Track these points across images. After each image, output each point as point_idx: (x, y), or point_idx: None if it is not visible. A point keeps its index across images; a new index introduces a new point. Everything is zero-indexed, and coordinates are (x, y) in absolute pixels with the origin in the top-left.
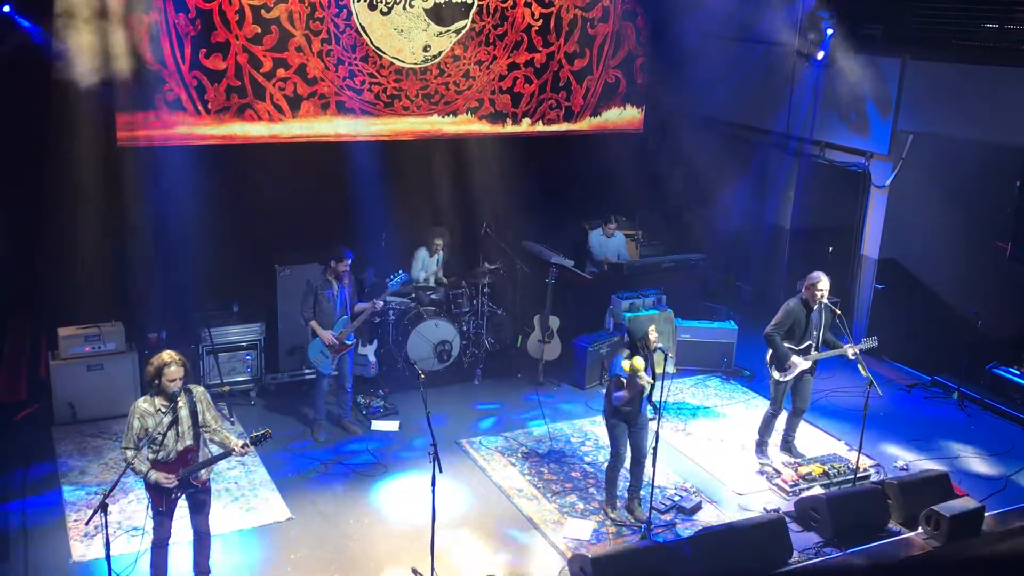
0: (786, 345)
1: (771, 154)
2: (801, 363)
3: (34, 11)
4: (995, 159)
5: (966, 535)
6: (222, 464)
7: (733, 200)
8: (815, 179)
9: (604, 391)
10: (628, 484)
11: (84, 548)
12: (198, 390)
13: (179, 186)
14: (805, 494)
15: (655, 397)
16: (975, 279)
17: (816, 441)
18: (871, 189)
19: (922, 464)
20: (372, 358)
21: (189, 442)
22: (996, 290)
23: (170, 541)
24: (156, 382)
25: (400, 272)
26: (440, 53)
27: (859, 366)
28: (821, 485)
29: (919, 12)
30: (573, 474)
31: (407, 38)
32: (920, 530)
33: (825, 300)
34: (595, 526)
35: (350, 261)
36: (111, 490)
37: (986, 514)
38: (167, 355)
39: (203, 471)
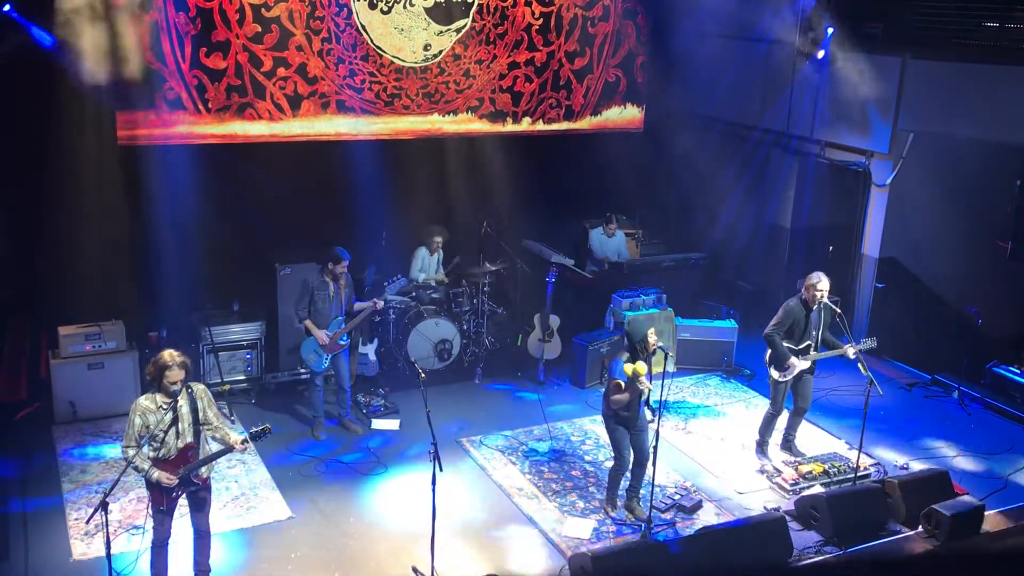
0: (785, 345)
1: (771, 153)
2: (800, 363)
3: (34, 11)
4: (995, 158)
5: (966, 534)
6: (223, 463)
7: (733, 199)
8: (815, 178)
9: (603, 391)
10: (628, 484)
11: (85, 547)
12: (199, 388)
13: (179, 185)
14: (805, 493)
15: (653, 398)
16: (975, 278)
17: (816, 440)
18: (871, 188)
19: (922, 463)
20: (372, 357)
21: (189, 439)
22: (996, 289)
23: (170, 541)
24: (157, 381)
25: (398, 276)
26: (440, 52)
27: (859, 365)
28: (821, 484)
29: (919, 11)
30: (573, 473)
31: (407, 37)
32: (920, 529)
33: (825, 300)
34: (595, 525)
35: (347, 263)
36: (111, 489)
37: (986, 513)
38: (168, 356)
39: (204, 468)
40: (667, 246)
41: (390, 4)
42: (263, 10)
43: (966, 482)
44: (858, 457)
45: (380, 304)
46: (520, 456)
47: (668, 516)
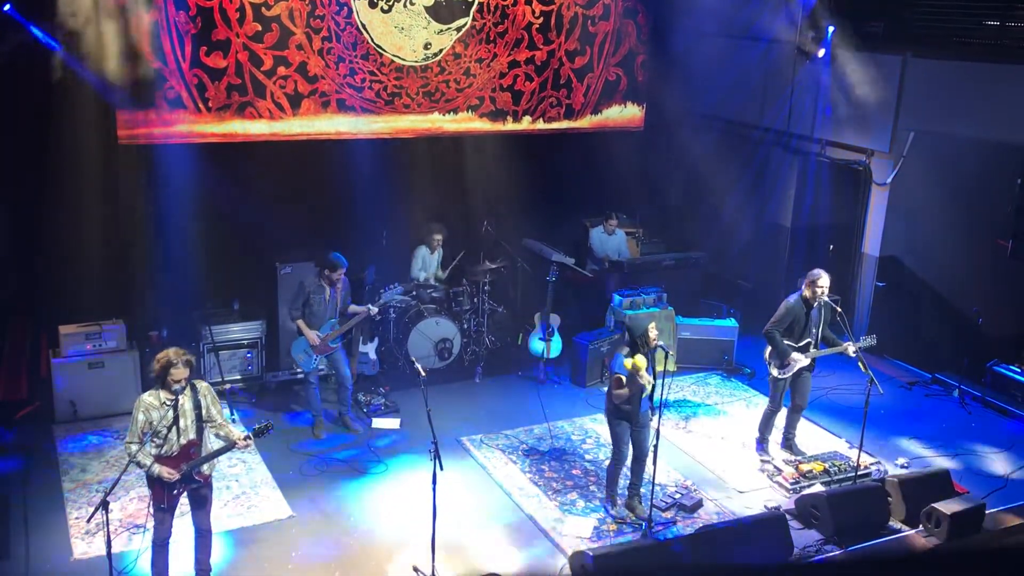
0: (785, 342)
1: (772, 152)
2: (800, 360)
3: (35, 10)
4: (996, 157)
5: (967, 533)
6: (223, 462)
7: (734, 198)
8: (816, 177)
9: (605, 389)
10: (628, 482)
11: (85, 546)
12: (202, 385)
13: (180, 184)
14: (806, 492)
15: (656, 396)
16: (976, 277)
17: (817, 439)
18: (872, 187)
19: (923, 462)
20: (373, 356)
21: (192, 436)
22: (997, 288)
23: (171, 540)
24: (162, 378)
25: (395, 284)
26: (441, 51)
27: (860, 364)
28: (822, 483)
29: (920, 10)
30: (574, 472)
31: (408, 36)
32: (921, 528)
33: (825, 298)
34: (596, 524)
35: (344, 270)
36: (112, 488)
37: (987, 512)
38: (173, 353)
39: (205, 466)
40: (667, 245)
41: (390, 3)
42: (263, 9)
43: (966, 481)
44: (858, 456)
45: (374, 310)
46: (520, 455)
47: (669, 515)
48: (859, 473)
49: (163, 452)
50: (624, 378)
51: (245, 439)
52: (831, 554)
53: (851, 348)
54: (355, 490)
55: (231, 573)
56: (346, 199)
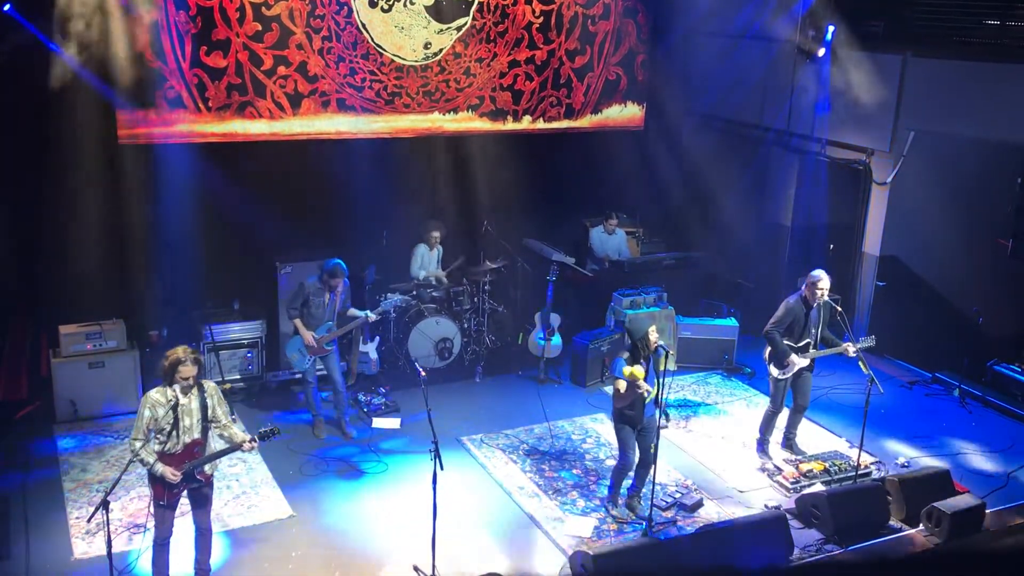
0: (785, 343)
1: (772, 151)
2: (800, 361)
3: (35, 10)
4: (996, 156)
5: (967, 532)
6: (224, 462)
7: (734, 197)
8: (816, 176)
9: (606, 389)
10: (631, 483)
11: (86, 546)
12: (210, 385)
13: (180, 184)
14: (806, 491)
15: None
16: (976, 276)
17: (817, 438)
18: (872, 186)
19: (923, 461)
20: (373, 355)
21: (196, 436)
22: (997, 287)
23: (171, 539)
24: (170, 376)
25: (395, 294)
26: (441, 50)
27: (860, 364)
28: (822, 482)
29: (920, 9)
30: (574, 471)
31: (408, 35)
32: (921, 527)
33: (825, 299)
34: (596, 523)
35: (344, 276)
36: (112, 488)
37: (987, 511)
38: (182, 351)
39: (207, 466)
40: (667, 244)
41: (390, 2)
42: (263, 8)
43: (967, 480)
44: (859, 455)
45: (372, 317)
46: (521, 455)
47: (669, 514)
48: (859, 472)
49: (166, 450)
50: (624, 383)
51: (251, 441)
52: (831, 553)
53: (851, 349)
54: (355, 490)
55: (231, 573)
56: (346, 199)
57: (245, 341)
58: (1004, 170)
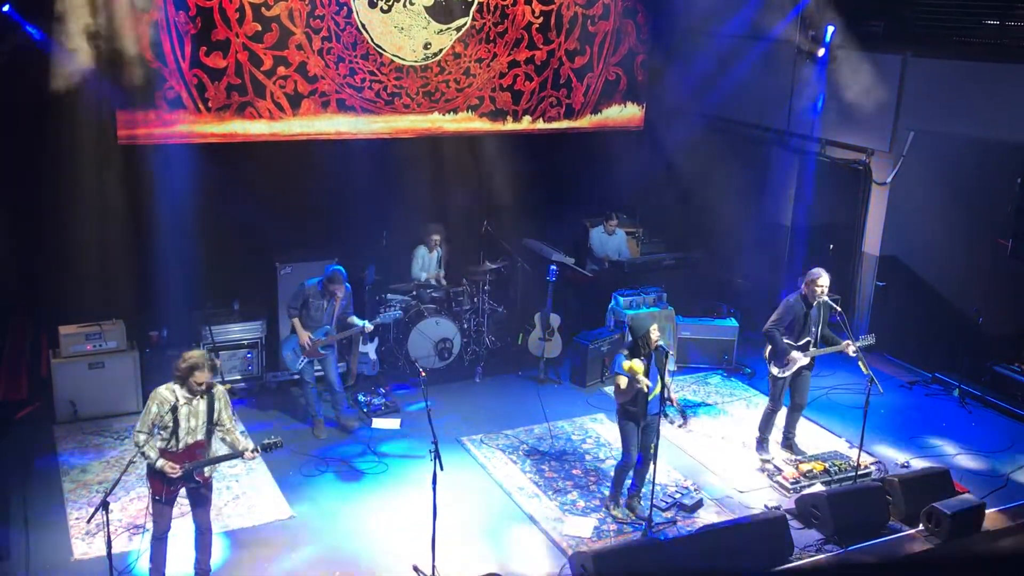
0: (785, 341)
1: (772, 151)
2: (800, 359)
3: (34, 10)
4: (996, 156)
5: (967, 532)
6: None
7: (734, 197)
8: (816, 176)
9: (606, 389)
10: (631, 482)
11: (85, 546)
12: (219, 389)
13: (179, 184)
14: (806, 491)
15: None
16: (976, 276)
17: (817, 438)
18: (872, 186)
19: (923, 461)
20: (373, 356)
21: (200, 437)
22: (997, 287)
23: (172, 538)
24: (184, 377)
25: (397, 311)
26: (440, 51)
27: (860, 363)
28: (822, 482)
29: (920, 9)
30: (574, 471)
31: (407, 36)
32: (921, 527)
33: (825, 297)
34: (596, 523)
35: (343, 284)
36: (112, 488)
37: (987, 511)
38: (200, 356)
39: (206, 468)
40: (667, 244)
41: (390, 3)
42: (263, 9)
43: (967, 480)
44: (859, 455)
45: (369, 328)
46: (521, 455)
47: (669, 515)
48: (859, 473)
49: (168, 447)
50: (624, 379)
51: (253, 451)
52: (831, 553)
53: (851, 347)
54: (355, 491)
55: (231, 573)
56: (346, 199)
57: (245, 342)
58: (1004, 170)
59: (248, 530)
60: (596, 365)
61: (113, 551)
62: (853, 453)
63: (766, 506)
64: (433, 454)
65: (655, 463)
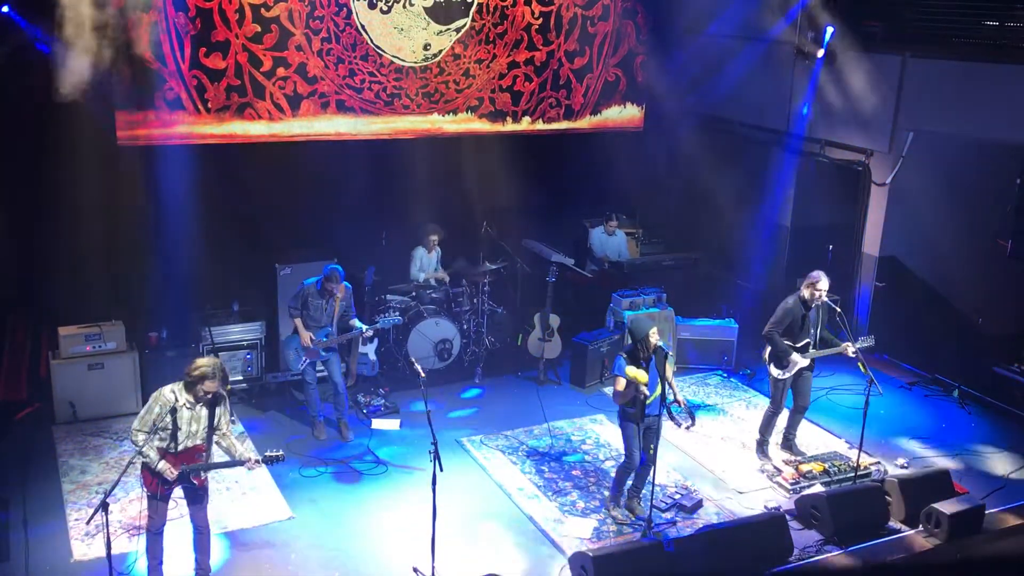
0: (785, 343)
1: (771, 152)
2: (800, 360)
3: (34, 11)
4: (995, 157)
5: (966, 533)
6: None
7: (733, 198)
8: (815, 177)
9: (606, 390)
10: (631, 483)
11: (85, 547)
12: (223, 397)
13: (179, 185)
14: (806, 492)
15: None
16: (975, 277)
17: (817, 439)
18: (871, 187)
19: (922, 462)
20: (372, 356)
21: (199, 442)
22: (996, 288)
23: (172, 539)
24: (192, 384)
25: (397, 316)
26: (440, 52)
27: (859, 364)
28: (822, 483)
29: (919, 10)
30: (573, 472)
31: (407, 37)
32: (920, 528)
33: (824, 299)
34: (596, 524)
35: (341, 283)
36: (112, 489)
37: (986, 512)
38: (212, 367)
39: (203, 472)
40: (667, 245)
41: (390, 4)
42: (263, 10)
43: (966, 481)
44: (858, 456)
45: (368, 332)
46: (520, 456)
47: (669, 515)
48: (859, 473)
49: (166, 448)
50: (623, 380)
51: (256, 462)
52: (831, 554)
53: (850, 349)
54: (355, 491)
55: (231, 574)
56: (346, 200)
57: (245, 343)
58: (1003, 170)
59: (248, 531)
60: (596, 366)
61: (112, 552)
62: (852, 454)
63: (766, 507)
64: (433, 455)
65: (655, 464)
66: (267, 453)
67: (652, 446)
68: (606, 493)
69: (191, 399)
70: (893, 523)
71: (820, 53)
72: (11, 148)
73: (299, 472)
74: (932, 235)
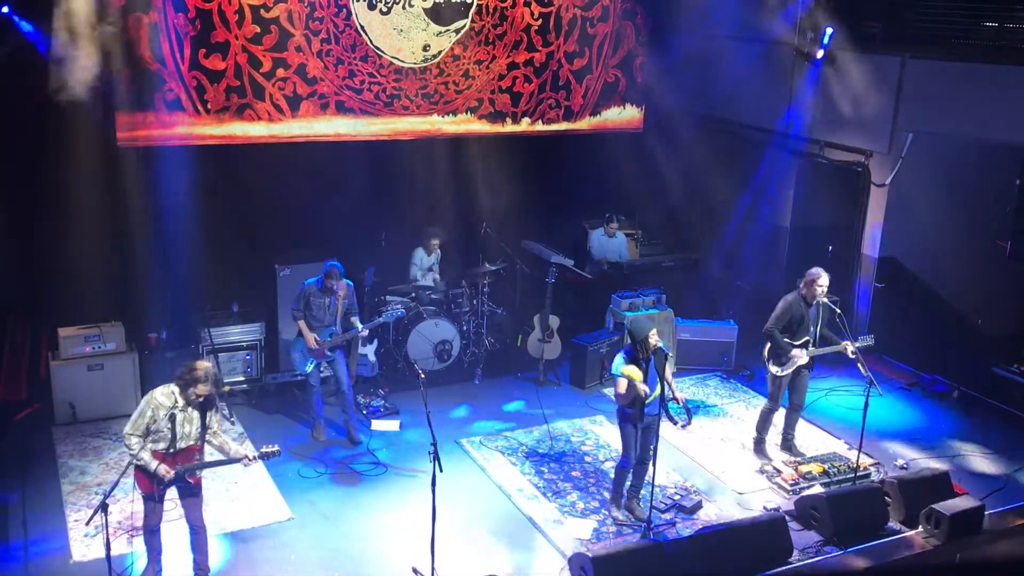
0: (784, 340)
1: (771, 153)
2: (800, 357)
3: (34, 12)
4: (995, 157)
5: (966, 534)
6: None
7: (733, 199)
8: (815, 178)
9: (606, 391)
10: (630, 483)
11: (84, 548)
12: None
13: (179, 186)
14: (805, 493)
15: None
16: (975, 277)
17: (816, 440)
18: (871, 187)
19: (922, 462)
20: (372, 357)
21: (193, 442)
22: (996, 288)
23: (171, 540)
24: (185, 387)
25: (399, 308)
26: (440, 53)
27: (859, 365)
28: (821, 484)
29: (919, 10)
30: (573, 473)
31: (406, 38)
32: (920, 529)
33: (824, 298)
34: (595, 525)
35: (340, 279)
36: (111, 490)
37: (986, 513)
38: (205, 372)
39: (199, 471)
40: (666, 246)
41: (389, 5)
42: (262, 11)
43: (966, 482)
44: (858, 457)
45: (364, 332)
46: (520, 456)
47: (668, 516)
48: (858, 474)
49: (160, 449)
50: (623, 381)
51: (252, 458)
52: (831, 555)
53: (850, 348)
54: (354, 491)
55: (231, 574)
56: (345, 201)
57: (244, 343)
58: (1003, 171)
59: (248, 531)
60: (595, 367)
61: (112, 553)
62: (852, 454)
63: (765, 507)
64: (432, 456)
65: (654, 465)
66: (263, 449)
67: (652, 446)
68: (606, 494)
69: (183, 401)
70: (892, 524)
71: (819, 54)
72: (11, 148)
73: (299, 472)
74: (932, 236)
